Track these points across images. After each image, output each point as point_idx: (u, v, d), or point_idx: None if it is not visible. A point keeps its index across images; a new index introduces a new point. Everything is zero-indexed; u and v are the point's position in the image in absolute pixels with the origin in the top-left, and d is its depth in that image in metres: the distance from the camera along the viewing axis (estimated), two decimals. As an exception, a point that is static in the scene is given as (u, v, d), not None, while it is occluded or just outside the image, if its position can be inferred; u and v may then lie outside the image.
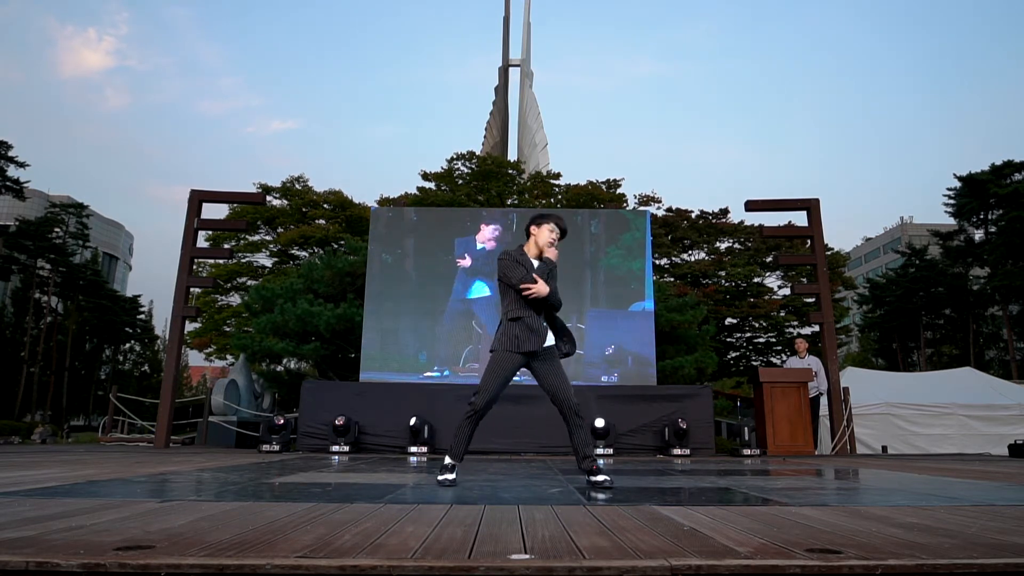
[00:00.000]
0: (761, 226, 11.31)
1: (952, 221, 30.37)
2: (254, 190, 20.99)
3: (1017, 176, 27.35)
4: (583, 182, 23.65)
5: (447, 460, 3.58)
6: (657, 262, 23.11)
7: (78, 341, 34.13)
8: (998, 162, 27.69)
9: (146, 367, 40.15)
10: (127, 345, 38.96)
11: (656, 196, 24.87)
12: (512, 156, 36.74)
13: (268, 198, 19.85)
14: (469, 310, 9.80)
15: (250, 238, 22.43)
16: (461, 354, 9.62)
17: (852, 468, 5.68)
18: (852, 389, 9.86)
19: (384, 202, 21.59)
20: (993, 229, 28.22)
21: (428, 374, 9.47)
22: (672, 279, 22.92)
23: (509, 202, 22.61)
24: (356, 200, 23.07)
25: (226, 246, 20.62)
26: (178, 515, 2.25)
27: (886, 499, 3.09)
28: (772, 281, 24.24)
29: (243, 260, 22.42)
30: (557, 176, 24.19)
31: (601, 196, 22.78)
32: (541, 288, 3.47)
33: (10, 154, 28.49)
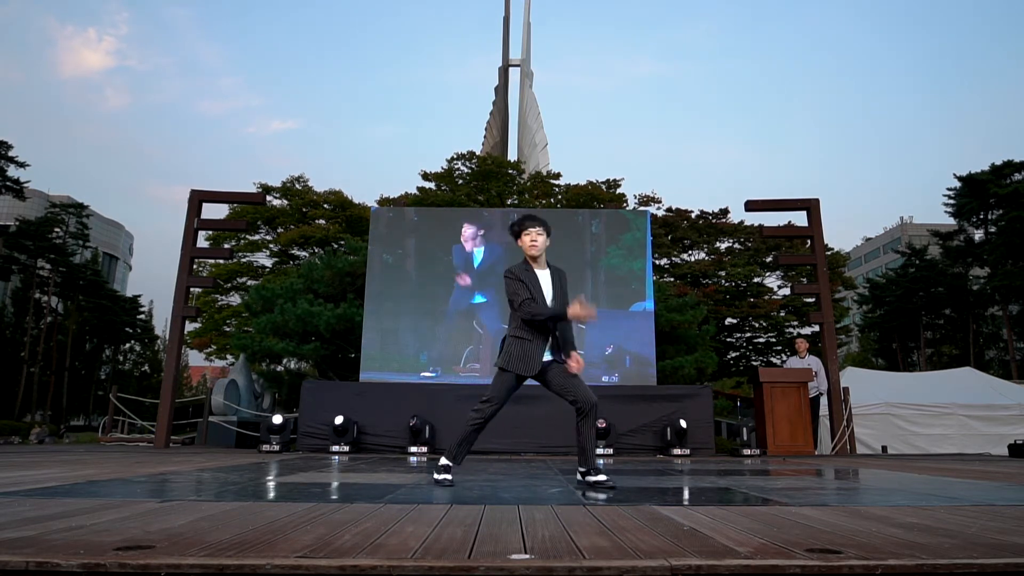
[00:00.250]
0: (761, 226, 11.31)
1: (952, 221, 30.37)
2: (254, 190, 20.98)
3: (1017, 176, 27.34)
4: (583, 182, 23.65)
5: (444, 460, 3.56)
6: (657, 262, 23.10)
7: (78, 341, 34.13)
8: (998, 162, 27.68)
9: (146, 367, 40.14)
10: (127, 345, 38.95)
11: (656, 196, 24.87)
12: (512, 156, 36.73)
13: (268, 198, 19.84)
14: (471, 311, 9.80)
15: (250, 238, 22.42)
16: (462, 354, 9.62)
17: (852, 468, 5.68)
18: (852, 389, 9.86)
19: (384, 202, 21.58)
20: (993, 229, 28.21)
21: (425, 374, 9.47)
22: (672, 279, 22.91)
23: (509, 202, 22.60)
24: (356, 200, 23.08)
25: (226, 246, 20.61)
26: (178, 515, 2.25)
27: (886, 499, 3.09)
28: (772, 281, 24.23)
29: (243, 260, 22.41)
30: (557, 176, 24.19)
31: (601, 196, 22.78)
32: (543, 310, 3.42)
33: (10, 154, 28.48)
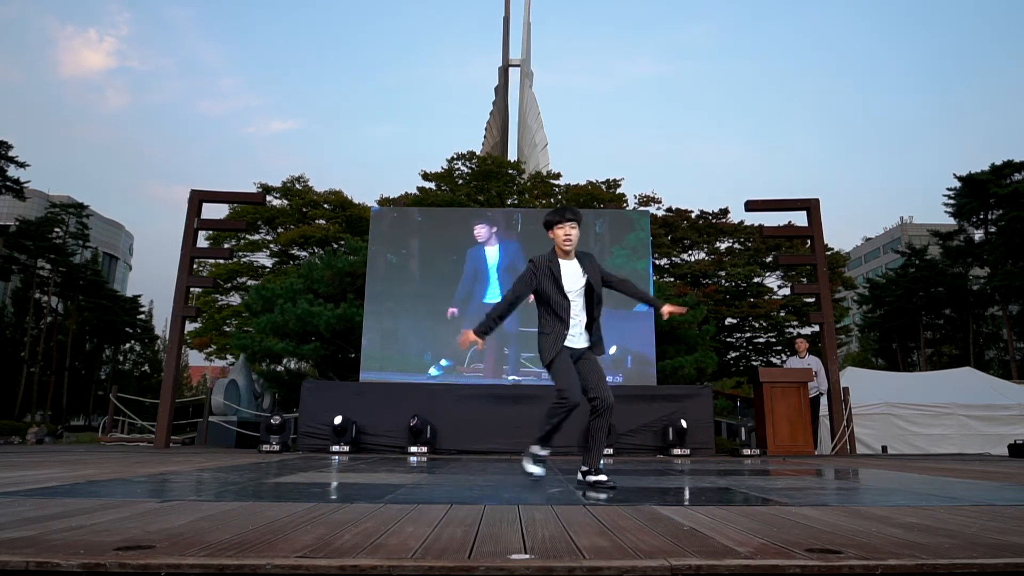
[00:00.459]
0: (761, 226, 11.31)
1: (952, 221, 30.38)
2: (254, 190, 20.98)
3: (1017, 176, 27.35)
4: (583, 182, 23.67)
5: (535, 448, 3.57)
6: (657, 262, 23.10)
7: (78, 341, 34.14)
8: (998, 162, 27.71)
9: (146, 367, 40.16)
10: (127, 345, 38.97)
11: (656, 196, 24.88)
12: (512, 156, 36.73)
13: (268, 198, 19.85)
14: (478, 311, 9.78)
15: (250, 238, 22.43)
16: (466, 354, 9.62)
17: (852, 468, 5.68)
18: (852, 389, 9.86)
19: (384, 202, 21.58)
20: (993, 229, 28.22)
21: (433, 370, 9.46)
22: (672, 279, 22.92)
23: (509, 202, 22.61)
24: (356, 200, 23.10)
25: (226, 246, 20.62)
26: (178, 515, 2.25)
27: (886, 499, 3.09)
28: (772, 281, 24.24)
29: (243, 260, 22.42)
30: (557, 176, 24.20)
31: (601, 196, 22.79)
32: (464, 339, 3.58)
33: (10, 154, 28.49)
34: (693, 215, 24.54)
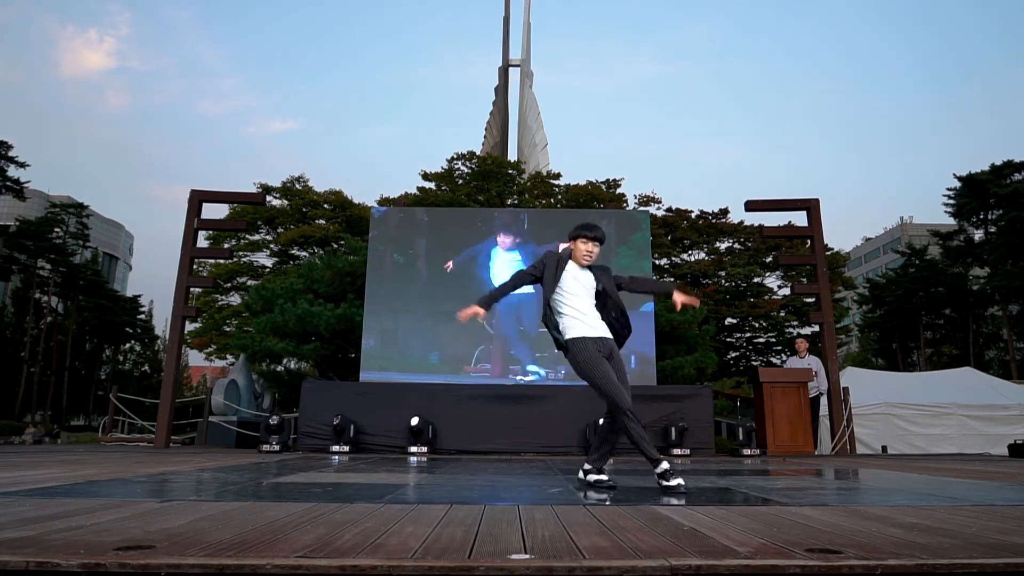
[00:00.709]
0: (761, 226, 11.31)
1: (952, 221, 30.37)
2: (254, 190, 20.98)
3: (1017, 176, 27.34)
4: (583, 182, 23.64)
5: (662, 467, 3.41)
6: (657, 262, 23.09)
7: (78, 341, 34.13)
8: (998, 162, 27.69)
9: (146, 367, 40.15)
10: (127, 345, 38.96)
11: (656, 196, 24.85)
12: (512, 156, 36.73)
13: (268, 198, 19.84)
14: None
15: (250, 238, 22.42)
16: (472, 354, 9.63)
17: (852, 468, 5.68)
18: (852, 389, 9.86)
19: (384, 202, 21.58)
20: (993, 229, 28.21)
21: (443, 375, 9.46)
22: (672, 279, 22.90)
23: (509, 202, 22.61)
24: (356, 200, 23.08)
25: (226, 246, 20.61)
26: (178, 515, 2.25)
27: (886, 499, 3.09)
28: (772, 281, 24.23)
29: (243, 260, 22.41)
30: (557, 176, 24.19)
31: (601, 196, 22.77)
32: (465, 313, 3.59)
33: (10, 154, 28.48)
34: (693, 215, 24.52)
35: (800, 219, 10.67)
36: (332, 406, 8.26)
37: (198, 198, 10.14)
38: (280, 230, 22.57)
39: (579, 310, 3.55)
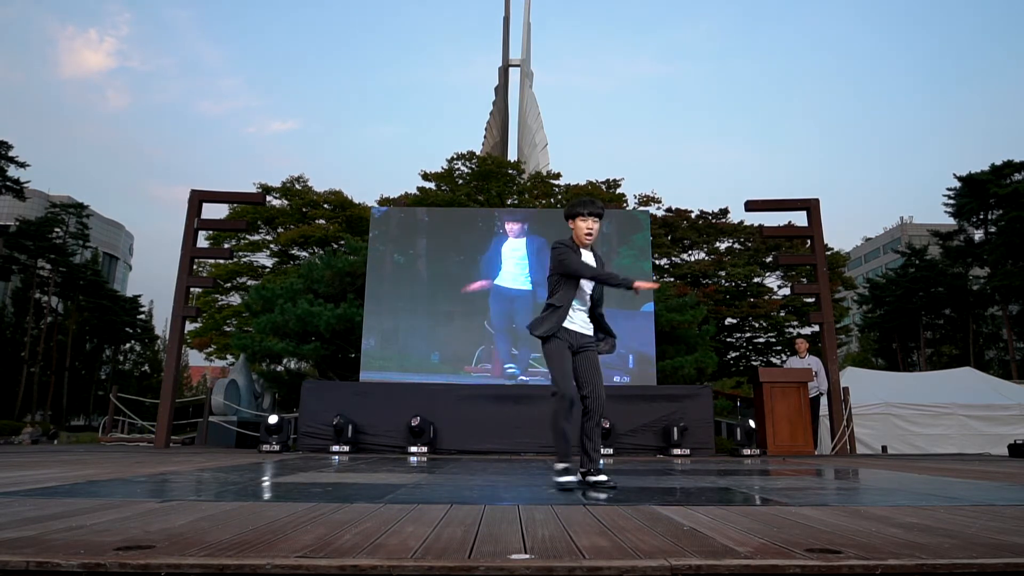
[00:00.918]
0: (761, 226, 11.31)
1: (952, 221, 30.38)
2: (254, 190, 20.98)
3: (1017, 176, 27.35)
4: (583, 182, 23.66)
5: (559, 465, 3.39)
6: (657, 262, 23.10)
7: (78, 341, 34.15)
8: (998, 162, 27.70)
9: (146, 367, 40.17)
10: (127, 345, 38.98)
11: (656, 196, 24.87)
12: (512, 156, 36.72)
13: (268, 198, 19.84)
14: (484, 309, 9.78)
15: (250, 238, 22.43)
16: (474, 354, 9.63)
17: (852, 468, 5.68)
18: (852, 389, 9.86)
19: (384, 202, 21.58)
20: (993, 229, 28.23)
21: (444, 375, 9.47)
22: (672, 279, 22.91)
23: (509, 202, 22.61)
24: (356, 200, 23.08)
25: (226, 246, 20.62)
26: (178, 515, 2.25)
27: (886, 499, 3.09)
28: (772, 281, 24.24)
29: (243, 260, 22.42)
30: (557, 176, 24.19)
31: (601, 196, 22.75)
32: (643, 285, 3.54)
33: (10, 154, 28.50)
34: (693, 215, 24.53)
35: (800, 219, 10.68)
36: (332, 406, 8.26)
37: (198, 198, 10.14)
38: (280, 230, 22.58)
39: (586, 299, 3.62)
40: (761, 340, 24.05)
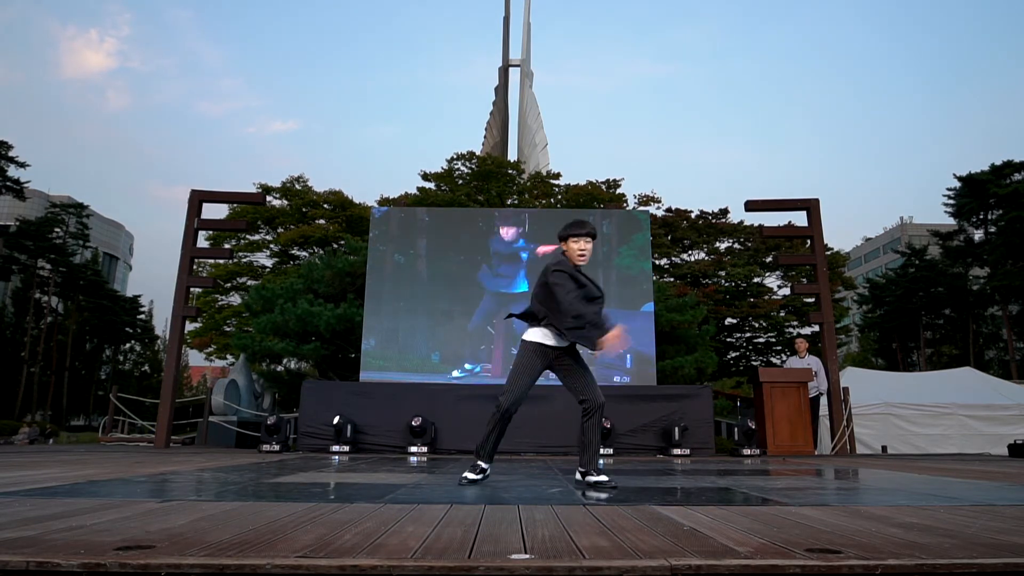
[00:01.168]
0: (761, 226, 11.31)
1: (952, 221, 30.40)
2: (254, 190, 20.98)
3: (1017, 176, 27.37)
4: (583, 182, 23.65)
5: (477, 462, 3.71)
6: (657, 262, 23.10)
7: (78, 341, 34.16)
8: (998, 162, 27.73)
9: (146, 367, 40.19)
10: (127, 345, 39.01)
11: (656, 196, 24.88)
12: (512, 156, 36.74)
13: (268, 198, 19.86)
14: (484, 309, 9.78)
15: (250, 238, 22.44)
16: (474, 354, 9.63)
17: (852, 468, 5.68)
18: (852, 389, 9.87)
19: (384, 202, 21.59)
20: (993, 229, 28.24)
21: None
22: (672, 279, 22.92)
23: (509, 202, 22.61)
24: (356, 200, 23.09)
25: (226, 246, 20.63)
26: (178, 515, 2.25)
27: (886, 499, 3.09)
28: (772, 281, 24.24)
29: (243, 260, 22.42)
30: (557, 176, 24.20)
31: (601, 196, 22.78)
32: (612, 336, 3.34)
33: (10, 154, 28.52)
34: (693, 215, 24.54)
35: (800, 219, 10.67)
36: (332, 406, 8.26)
37: (198, 198, 10.14)
38: (280, 230, 22.58)
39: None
40: (761, 340, 24.05)
